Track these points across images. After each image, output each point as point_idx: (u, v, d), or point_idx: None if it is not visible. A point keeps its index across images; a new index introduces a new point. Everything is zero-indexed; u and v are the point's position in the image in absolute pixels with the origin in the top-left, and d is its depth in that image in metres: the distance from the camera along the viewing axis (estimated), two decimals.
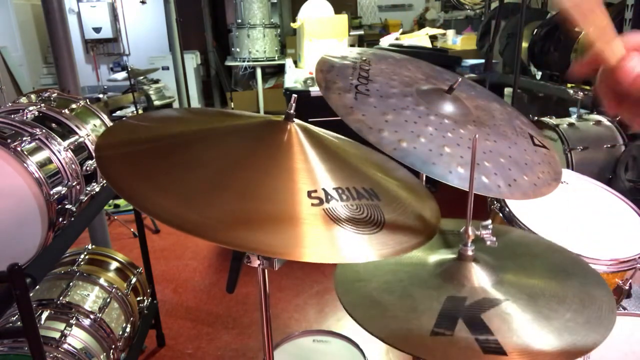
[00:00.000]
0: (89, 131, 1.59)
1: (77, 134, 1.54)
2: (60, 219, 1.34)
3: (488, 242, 0.92)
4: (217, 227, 0.68)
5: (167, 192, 0.72)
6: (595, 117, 2.45)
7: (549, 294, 0.89)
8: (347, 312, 0.85)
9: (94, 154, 1.57)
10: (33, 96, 1.71)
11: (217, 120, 1.00)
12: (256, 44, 5.69)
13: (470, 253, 0.94)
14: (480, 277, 0.91)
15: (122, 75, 5.56)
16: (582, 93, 2.47)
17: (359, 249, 0.72)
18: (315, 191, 0.76)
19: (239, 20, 5.69)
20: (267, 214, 0.71)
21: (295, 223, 0.71)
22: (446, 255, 0.98)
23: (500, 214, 1.45)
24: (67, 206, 1.37)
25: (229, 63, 6.10)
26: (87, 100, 1.78)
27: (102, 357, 1.57)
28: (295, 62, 4.18)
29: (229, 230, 0.68)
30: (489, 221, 0.94)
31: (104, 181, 1.62)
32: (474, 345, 0.76)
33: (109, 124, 1.77)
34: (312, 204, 0.74)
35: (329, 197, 0.76)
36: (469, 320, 0.81)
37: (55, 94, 1.74)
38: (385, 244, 0.74)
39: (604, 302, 0.88)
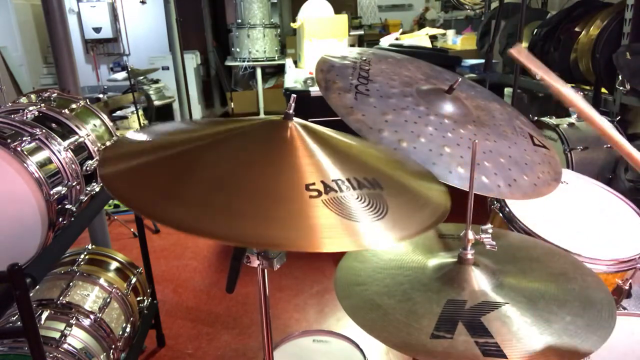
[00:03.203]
0: (89, 131, 1.59)
1: (77, 134, 1.54)
2: (60, 219, 1.34)
3: (488, 247, 0.93)
4: (224, 224, 0.68)
5: (175, 199, 0.73)
6: None
7: (549, 297, 0.89)
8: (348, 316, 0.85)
9: (95, 157, 1.57)
10: (33, 96, 1.71)
11: (217, 126, 1.00)
12: (256, 44, 5.69)
13: (470, 257, 0.94)
14: (480, 281, 0.91)
15: (122, 75, 5.56)
16: (582, 93, 2.47)
17: (363, 236, 0.72)
18: (314, 184, 0.76)
19: (239, 20, 5.69)
20: (263, 209, 0.72)
21: (297, 216, 0.72)
22: (446, 259, 0.98)
23: (500, 214, 1.45)
24: (67, 206, 1.37)
25: (229, 63, 6.10)
26: (87, 100, 1.78)
27: (102, 357, 1.57)
28: (295, 62, 4.18)
29: (230, 225, 0.69)
30: (489, 225, 0.94)
31: None
32: (474, 348, 0.76)
33: (109, 124, 1.77)
34: (311, 196, 0.74)
35: (328, 188, 0.76)
36: (469, 323, 0.81)
37: (55, 94, 1.74)
38: (390, 230, 0.74)
39: (604, 305, 0.88)
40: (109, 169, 0.81)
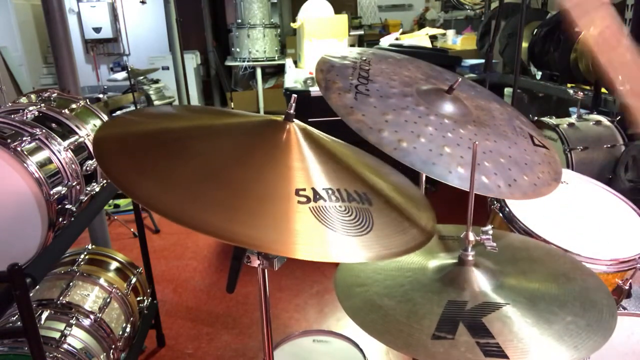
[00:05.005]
0: (89, 131, 1.59)
1: (77, 134, 1.54)
2: (60, 219, 1.34)
3: (488, 248, 0.92)
4: (203, 216, 0.68)
5: (162, 183, 0.73)
6: (595, 117, 2.45)
7: (550, 297, 0.89)
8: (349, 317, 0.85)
9: (92, 150, 1.57)
10: (33, 96, 1.71)
11: (216, 118, 1.00)
12: (256, 44, 5.69)
13: (470, 258, 0.94)
14: (480, 282, 0.91)
15: (122, 75, 5.55)
16: (582, 93, 2.47)
17: (344, 249, 0.72)
18: (304, 190, 0.76)
19: (239, 20, 5.69)
20: (253, 209, 0.72)
21: (280, 219, 0.71)
22: (446, 260, 0.98)
23: (500, 214, 1.45)
24: (67, 206, 1.37)
25: (229, 63, 6.09)
26: (87, 100, 1.78)
27: (102, 357, 1.57)
28: (295, 62, 4.18)
29: (213, 221, 0.68)
30: (489, 226, 0.94)
31: (104, 181, 1.62)
32: (475, 348, 0.76)
33: None
34: (299, 202, 0.74)
35: (317, 196, 0.76)
36: (470, 324, 0.81)
37: (55, 94, 1.74)
38: (371, 247, 0.74)
39: (605, 306, 0.88)
40: (104, 141, 0.81)
